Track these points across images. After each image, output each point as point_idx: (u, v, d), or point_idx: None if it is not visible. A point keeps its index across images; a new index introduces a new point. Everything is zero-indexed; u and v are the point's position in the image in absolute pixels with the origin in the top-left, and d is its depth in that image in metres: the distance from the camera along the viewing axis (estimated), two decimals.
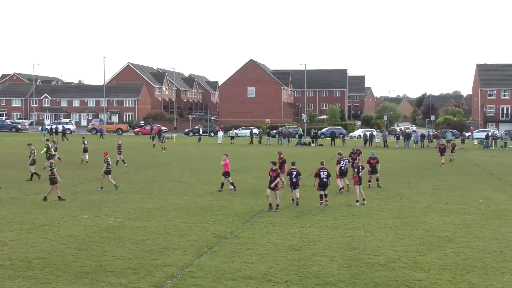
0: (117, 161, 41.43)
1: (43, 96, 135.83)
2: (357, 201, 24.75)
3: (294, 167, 24.76)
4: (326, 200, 24.76)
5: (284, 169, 29.83)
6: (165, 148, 56.80)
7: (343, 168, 28.33)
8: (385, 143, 70.05)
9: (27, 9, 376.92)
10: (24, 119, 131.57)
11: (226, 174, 28.29)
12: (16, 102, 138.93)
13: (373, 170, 30.30)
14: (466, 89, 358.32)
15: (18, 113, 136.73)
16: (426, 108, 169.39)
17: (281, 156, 31.38)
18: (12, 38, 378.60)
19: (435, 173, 38.70)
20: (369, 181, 30.60)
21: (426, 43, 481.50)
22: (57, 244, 16.96)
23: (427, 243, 17.75)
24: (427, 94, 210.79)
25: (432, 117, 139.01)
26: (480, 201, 26.56)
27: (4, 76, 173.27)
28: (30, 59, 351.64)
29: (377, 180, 30.91)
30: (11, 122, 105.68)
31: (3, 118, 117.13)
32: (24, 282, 13.33)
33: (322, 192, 24.63)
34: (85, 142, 42.73)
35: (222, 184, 28.62)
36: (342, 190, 28.41)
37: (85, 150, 42.36)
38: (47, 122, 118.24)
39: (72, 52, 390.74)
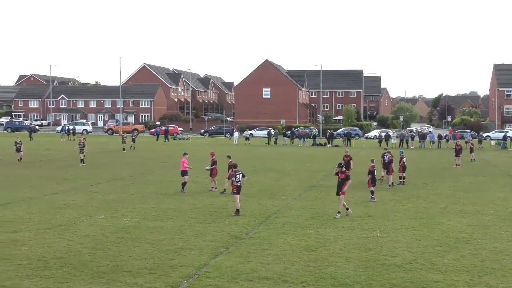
0: (81, 159, 41.41)
1: (60, 97, 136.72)
2: (339, 212, 22.22)
3: (230, 159, 27.31)
4: (374, 198, 26.09)
5: (216, 172, 28.60)
6: (124, 148, 56.36)
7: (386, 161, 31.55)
8: (404, 144, 69.84)
9: (45, 11, 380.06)
10: (42, 119, 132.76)
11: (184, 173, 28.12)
12: (34, 103, 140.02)
13: (404, 168, 32.49)
14: (483, 89, 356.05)
15: (35, 114, 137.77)
16: (442, 108, 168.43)
17: (213, 157, 29.01)
18: (30, 40, 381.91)
19: (452, 174, 38.43)
20: (404, 178, 32.55)
21: (443, 43, 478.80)
22: (74, 244, 17.06)
23: (443, 245, 17.63)
24: (444, 94, 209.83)
25: (449, 118, 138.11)
26: (497, 202, 26.33)
27: (21, 77, 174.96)
28: (47, 60, 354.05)
29: (404, 177, 32.68)
30: (28, 123, 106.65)
31: (21, 119, 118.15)
32: (42, 281, 13.43)
33: (373, 189, 26.19)
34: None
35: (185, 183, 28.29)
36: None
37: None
38: (64, 122, 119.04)
39: (89, 53, 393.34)
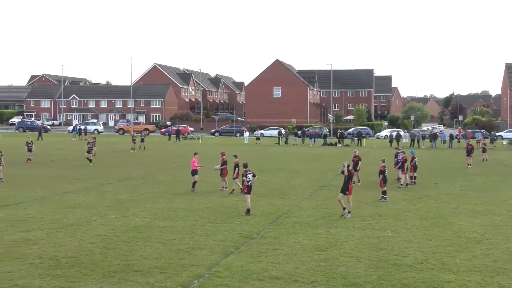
0: (90, 160, 41.37)
1: (71, 97, 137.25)
2: (349, 212, 22.06)
3: (237, 158, 27.63)
4: (385, 198, 26.05)
5: (226, 172, 28.57)
6: (134, 148, 56.44)
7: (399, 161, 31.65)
8: (416, 143, 69.63)
9: (56, 11, 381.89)
10: (53, 119, 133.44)
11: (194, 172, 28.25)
12: (45, 103, 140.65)
13: (415, 168, 32.46)
14: (495, 89, 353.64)
15: (47, 114, 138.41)
16: (454, 108, 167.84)
17: (224, 157, 28.76)
18: (41, 40, 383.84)
19: (463, 174, 38.25)
20: (415, 177, 32.46)
21: (454, 42, 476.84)
22: (86, 243, 17.14)
23: (455, 245, 17.56)
24: (455, 94, 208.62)
25: (460, 117, 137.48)
26: (509, 202, 26.16)
27: (33, 77, 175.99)
28: (58, 60, 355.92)
29: (415, 177, 32.59)
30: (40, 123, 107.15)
31: (32, 119, 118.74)
32: (54, 280, 13.50)
33: (385, 188, 26.17)
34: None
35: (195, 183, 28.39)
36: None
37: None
38: (75, 122, 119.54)
39: (99, 53, 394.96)
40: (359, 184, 31.17)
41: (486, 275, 14.35)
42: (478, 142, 65.61)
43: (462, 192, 29.55)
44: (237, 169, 27.29)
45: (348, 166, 22.20)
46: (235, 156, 27.98)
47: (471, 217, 22.23)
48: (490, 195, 28.45)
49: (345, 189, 21.83)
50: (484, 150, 49.18)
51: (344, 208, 22.05)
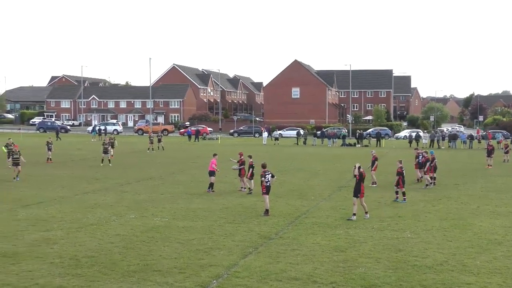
0: (107, 160, 41.46)
1: (91, 98, 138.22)
2: (366, 212, 22.02)
3: (251, 159, 27.94)
4: (405, 199, 25.83)
5: (244, 172, 28.45)
6: (153, 148, 56.36)
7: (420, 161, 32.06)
8: (435, 144, 69.16)
9: (76, 12, 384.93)
10: (73, 120, 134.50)
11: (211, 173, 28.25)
12: (65, 104, 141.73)
13: (435, 168, 31.73)
14: None
15: (67, 114, 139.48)
16: (474, 108, 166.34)
17: (242, 157, 28.86)
18: (62, 41, 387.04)
19: (484, 175, 37.89)
20: (435, 178, 31.90)
21: (474, 42, 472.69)
22: (105, 243, 17.25)
23: (475, 246, 17.40)
24: (475, 94, 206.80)
25: (481, 118, 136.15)
26: None
27: (53, 78, 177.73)
28: (78, 61, 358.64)
29: (435, 178, 32.03)
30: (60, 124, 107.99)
31: (53, 119, 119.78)
32: (74, 279, 13.60)
33: (404, 189, 25.96)
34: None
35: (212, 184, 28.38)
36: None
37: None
38: (94, 123, 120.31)
39: (119, 54, 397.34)
40: (376, 185, 30.99)
41: (507, 277, 14.20)
42: (498, 143, 64.97)
43: (482, 193, 29.27)
44: (251, 169, 27.50)
45: (359, 167, 21.79)
46: (250, 157, 28.13)
47: (492, 219, 22.02)
48: (511, 196, 28.14)
49: (357, 192, 21.50)
50: (507, 152, 48.57)
51: (354, 214, 21.66)
